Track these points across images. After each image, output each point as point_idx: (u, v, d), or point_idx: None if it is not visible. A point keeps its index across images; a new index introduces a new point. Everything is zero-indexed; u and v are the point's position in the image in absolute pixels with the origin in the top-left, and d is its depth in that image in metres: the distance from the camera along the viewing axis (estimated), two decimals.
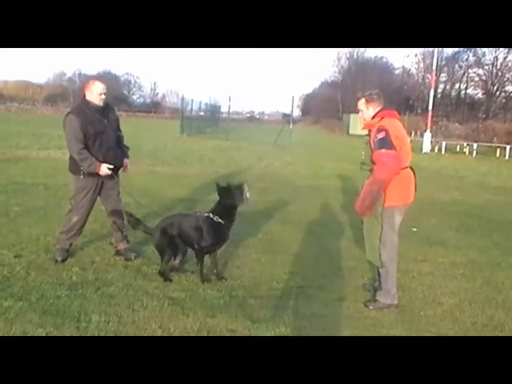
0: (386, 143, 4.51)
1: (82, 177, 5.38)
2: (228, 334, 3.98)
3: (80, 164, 5.30)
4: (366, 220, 4.88)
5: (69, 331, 3.83)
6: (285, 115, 62.36)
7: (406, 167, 4.75)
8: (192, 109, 39.29)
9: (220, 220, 5.17)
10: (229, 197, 5.19)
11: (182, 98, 38.01)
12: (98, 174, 5.36)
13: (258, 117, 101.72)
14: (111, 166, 5.40)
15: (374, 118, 4.80)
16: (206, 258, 5.31)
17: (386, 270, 4.84)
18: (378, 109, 4.81)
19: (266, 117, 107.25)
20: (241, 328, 4.10)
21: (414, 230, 5.00)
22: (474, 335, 4.24)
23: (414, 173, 4.85)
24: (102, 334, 3.83)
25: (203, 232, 5.17)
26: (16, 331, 3.76)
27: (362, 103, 4.88)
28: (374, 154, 4.63)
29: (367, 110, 4.85)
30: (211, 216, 5.18)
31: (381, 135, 4.55)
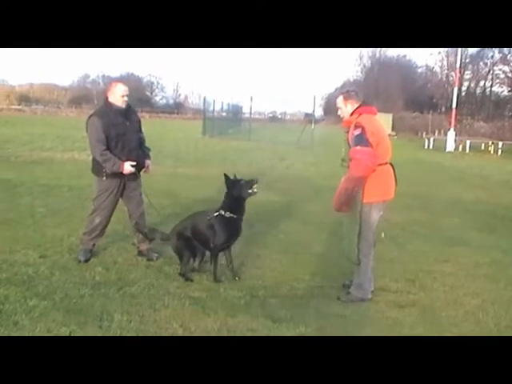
0: (361, 140, 4.55)
1: (104, 178, 5.46)
2: (248, 334, 3.99)
3: (103, 165, 5.38)
4: (346, 216, 4.93)
5: (92, 330, 3.90)
6: (307, 115, 62.11)
7: (385, 163, 4.76)
8: (214, 109, 39.42)
9: (231, 214, 5.20)
10: (236, 188, 5.21)
11: (204, 99, 38.14)
12: (121, 173, 5.43)
13: (280, 117, 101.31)
14: (134, 163, 5.45)
15: (352, 114, 4.81)
16: (221, 257, 5.34)
17: (360, 265, 4.88)
18: (356, 105, 4.82)
19: (288, 117, 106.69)
20: (261, 328, 4.12)
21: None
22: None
23: (393, 168, 4.88)
24: (124, 333, 3.88)
25: (216, 230, 5.21)
26: (41, 330, 3.83)
27: (340, 100, 4.92)
28: (350, 151, 4.67)
29: (345, 107, 4.88)
30: (222, 212, 5.21)
31: (357, 132, 4.59)
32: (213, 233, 5.22)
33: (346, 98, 4.87)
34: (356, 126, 4.63)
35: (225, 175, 5.25)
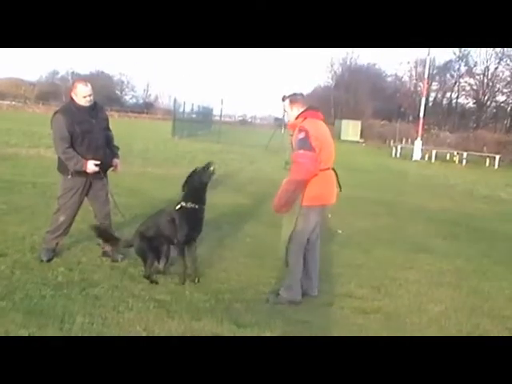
0: (305, 144, 4.60)
1: (70, 177, 5.35)
2: None
3: (66, 163, 5.28)
4: (284, 218, 4.96)
5: (52, 332, 3.79)
6: (277, 119, 62.37)
7: (327, 168, 4.82)
8: (184, 111, 39.24)
9: (192, 204, 5.15)
10: (195, 176, 5.19)
11: (175, 100, 37.94)
12: (85, 172, 5.33)
13: (250, 120, 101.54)
14: (98, 162, 5.35)
15: (297, 118, 4.85)
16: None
17: (290, 268, 4.94)
18: (301, 109, 4.86)
19: (258, 120, 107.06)
20: (226, 332, 4.08)
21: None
22: None
23: (336, 174, 4.96)
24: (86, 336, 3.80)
25: (178, 223, 5.16)
26: None
27: (286, 104, 4.95)
28: (293, 155, 4.73)
29: (291, 110, 4.92)
30: (183, 204, 5.16)
31: (301, 136, 4.64)
32: (175, 227, 5.16)
33: (291, 102, 4.91)
34: (300, 130, 4.68)
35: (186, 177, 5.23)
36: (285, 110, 5.00)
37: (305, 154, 4.59)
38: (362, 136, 49.19)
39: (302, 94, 5.01)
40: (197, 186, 5.19)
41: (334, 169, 4.94)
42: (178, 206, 5.18)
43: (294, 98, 4.92)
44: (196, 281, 5.21)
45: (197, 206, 5.17)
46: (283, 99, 4.98)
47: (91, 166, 5.31)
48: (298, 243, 4.89)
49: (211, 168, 5.21)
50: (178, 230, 5.16)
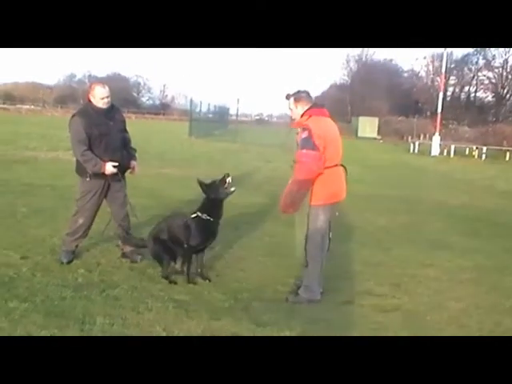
0: (307, 143, 4.59)
1: (88, 179, 5.39)
2: None
3: (84, 165, 5.31)
4: (296, 218, 4.97)
5: (72, 333, 3.83)
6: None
7: (335, 165, 4.77)
8: (201, 111, 39.39)
9: (208, 217, 5.16)
10: (212, 191, 5.18)
11: (191, 100, 38.09)
12: (103, 173, 5.37)
13: (266, 119, 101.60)
14: (116, 164, 5.38)
15: (302, 116, 4.83)
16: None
17: (308, 267, 4.92)
18: (306, 107, 4.84)
19: (275, 119, 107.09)
20: (245, 331, 4.08)
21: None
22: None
23: (345, 170, 4.93)
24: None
25: (192, 231, 5.18)
26: (20, 332, 3.76)
27: (291, 102, 4.94)
28: (297, 154, 4.72)
29: (296, 108, 4.90)
30: (199, 214, 5.17)
31: (304, 135, 4.64)
32: (188, 233, 5.18)
33: (296, 100, 4.90)
34: (303, 129, 4.68)
35: (198, 181, 5.21)
36: (290, 109, 4.98)
37: (308, 153, 4.59)
38: (379, 133, 48.92)
39: (306, 92, 4.98)
40: (213, 200, 5.21)
41: (343, 165, 4.90)
42: (194, 215, 5.20)
43: (298, 96, 4.90)
44: (207, 281, 5.24)
45: (212, 219, 5.19)
46: (287, 97, 4.98)
47: (109, 168, 5.35)
48: (313, 243, 4.87)
49: (230, 186, 5.19)
50: (189, 237, 5.19)
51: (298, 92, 4.95)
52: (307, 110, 4.81)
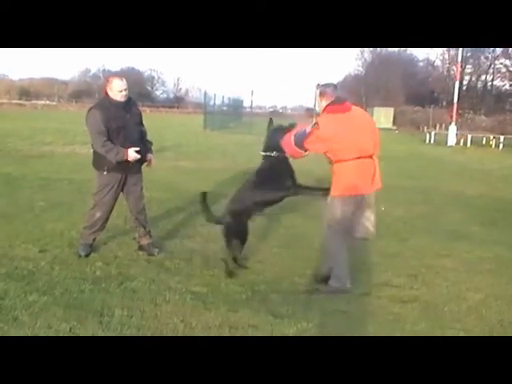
0: (299, 136, 4.85)
1: (105, 172, 5.41)
2: (250, 330, 3.96)
3: (106, 156, 5.30)
4: (324, 209, 5.06)
5: (92, 325, 3.87)
6: (308, 109, 61.95)
7: (355, 158, 4.74)
8: (215, 104, 39.38)
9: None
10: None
11: (205, 93, 38.07)
12: (123, 166, 5.37)
13: (281, 111, 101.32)
14: (137, 149, 5.39)
15: (323, 110, 4.89)
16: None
17: (334, 257, 4.96)
18: (329, 101, 4.85)
19: (289, 111, 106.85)
20: (263, 323, 4.09)
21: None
22: (500, 332, 4.16)
23: (374, 162, 4.91)
24: (125, 329, 3.85)
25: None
26: (41, 325, 3.81)
27: (317, 95, 5.02)
28: (285, 135, 5.00)
29: (321, 102, 4.93)
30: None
31: (308, 128, 4.81)
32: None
33: (321, 94, 4.92)
34: (314, 124, 4.80)
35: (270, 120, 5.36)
36: (317, 101, 5.06)
37: (289, 142, 4.90)
38: (394, 123, 48.57)
39: (333, 85, 4.99)
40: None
41: (371, 156, 4.88)
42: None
43: (322, 90, 4.92)
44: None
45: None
46: (317, 87, 5.05)
47: (132, 154, 5.34)
48: (335, 234, 4.89)
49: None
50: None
51: (324, 85, 4.99)
52: (327, 105, 4.83)
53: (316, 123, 4.76)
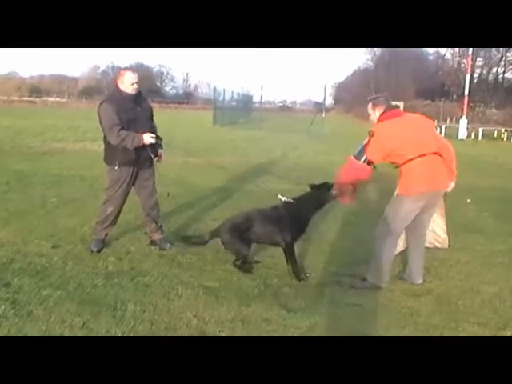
0: (360, 152, 4.83)
1: (117, 167, 5.40)
2: (263, 324, 3.97)
3: (123, 144, 5.24)
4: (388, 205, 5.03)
5: (105, 320, 3.88)
6: (317, 104, 61.74)
7: (416, 157, 4.65)
8: (224, 99, 39.36)
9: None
10: (323, 191, 5.24)
11: (214, 89, 38.10)
12: (134, 162, 5.37)
13: (290, 106, 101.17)
14: (153, 135, 5.38)
15: (379, 120, 4.86)
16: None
17: (380, 254, 4.90)
18: (382, 111, 4.84)
19: (299, 106, 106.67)
20: (275, 317, 4.09)
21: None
22: None
23: (440, 159, 4.84)
24: (138, 323, 3.87)
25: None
26: (55, 319, 3.83)
27: (369, 108, 4.96)
28: (349, 158, 4.96)
29: (374, 113, 4.92)
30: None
31: (365, 141, 4.83)
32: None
33: (374, 105, 4.91)
34: (370, 134, 4.77)
35: (309, 185, 5.35)
36: (369, 114, 4.98)
37: (353, 162, 4.86)
38: None
39: (384, 96, 5.00)
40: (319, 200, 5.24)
41: (437, 153, 4.79)
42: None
43: (375, 101, 4.92)
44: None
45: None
46: (368, 101, 5.02)
47: (147, 138, 5.30)
48: (389, 230, 4.86)
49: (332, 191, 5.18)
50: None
51: (376, 97, 5.01)
52: (381, 114, 4.82)
53: (371, 132, 4.73)
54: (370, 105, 4.93)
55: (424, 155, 4.67)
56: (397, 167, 4.83)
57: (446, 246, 5.71)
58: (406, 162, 4.67)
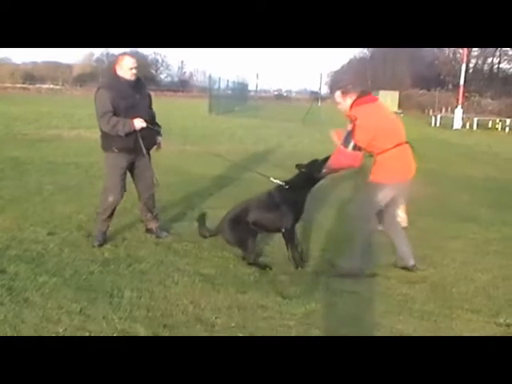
0: (348, 140, 4.77)
1: (116, 151, 5.26)
2: (259, 310, 3.99)
3: (114, 131, 5.15)
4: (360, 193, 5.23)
5: (102, 306, 3.90)
6: (313, 93, 61.71)
7: (393, 147, 4.72)
8: (220, 87, 39.23)
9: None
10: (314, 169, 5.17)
11: (210, 77, 37.93)
12: (128, 148, 5.27)
13: (285, 94, 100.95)
14: (143, 120, 5.26)
15: (351, 107, 4.85)
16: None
17: (360, 238, 5.00)
18: (354, 97, 4.84)
19: (294, 94, 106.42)
20: (271, 304, 4.12)
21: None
22: (508, 312, 4.16)
23: (410, 149, 4.95)
24: (135, 309, 3.88)
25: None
26: (52, 306, 3.85)
27: (338, 96, 4.96)
28: (337, 147, 4.91)
29: (345, 101, 4.91)
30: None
31: (349, 128, 4.79)
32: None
33: (344, 93, 4.91)
34: (350, 119, 4.77)
35: (296, 165, 5.25)
36: (338, 102, 4.98)
37: (342, 150, 4.80)
38: (399, 106, 48.26)
39: (352, 83, 5.18)
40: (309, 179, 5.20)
41: (408, 142, 4.89)
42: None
43: (345, 89, 4.93)
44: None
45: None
46: (336, 91, 5.04)
47: (138, 123, 5.20)
48: (364, 215, 4.94)
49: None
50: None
51: (343, 86, 5.04)
52: (355, 99, 4.82)
53: (353, 116, 4.73)
54: (338, 93, 4.95)
55: (400, 145, 4.76)
56: (371, 156, 4.88)
57: (405, 225, 5.83)
58: (383, 152, 4.71)
